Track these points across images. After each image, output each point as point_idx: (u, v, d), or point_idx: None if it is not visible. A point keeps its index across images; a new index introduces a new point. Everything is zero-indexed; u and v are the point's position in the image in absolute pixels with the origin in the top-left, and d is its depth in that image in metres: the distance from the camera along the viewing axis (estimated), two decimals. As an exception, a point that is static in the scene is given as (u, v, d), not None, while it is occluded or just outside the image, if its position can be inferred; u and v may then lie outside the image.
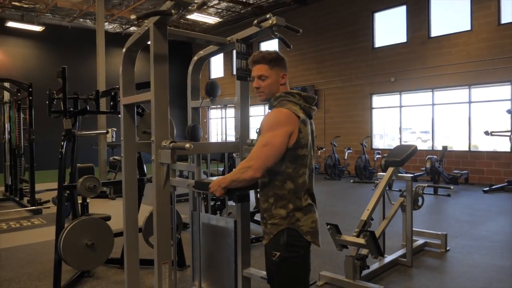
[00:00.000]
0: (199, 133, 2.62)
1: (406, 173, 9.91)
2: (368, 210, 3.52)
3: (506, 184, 8.71)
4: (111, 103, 3.71)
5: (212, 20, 15.38)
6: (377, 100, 12.29)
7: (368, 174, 10.49)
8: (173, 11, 1.98)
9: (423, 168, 9.96)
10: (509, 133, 8.70)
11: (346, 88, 12.72)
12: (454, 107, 10.70)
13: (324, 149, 12.34)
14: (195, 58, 2.90)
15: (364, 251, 3.40)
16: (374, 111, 12.26)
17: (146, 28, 2.21)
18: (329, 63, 13.25)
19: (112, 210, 5.53)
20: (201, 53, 2.83)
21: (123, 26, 15.87)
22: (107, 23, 14.51)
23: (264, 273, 2.73)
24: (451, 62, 10.39)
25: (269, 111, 1.94)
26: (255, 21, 2.40)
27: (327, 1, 13.14)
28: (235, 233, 2.57)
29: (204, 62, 2.97)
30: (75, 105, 3.69)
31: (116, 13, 14.01)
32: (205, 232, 2.74)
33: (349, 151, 11.47)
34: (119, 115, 3.92)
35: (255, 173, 1.74)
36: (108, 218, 3.62)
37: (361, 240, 3.21)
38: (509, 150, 9.50)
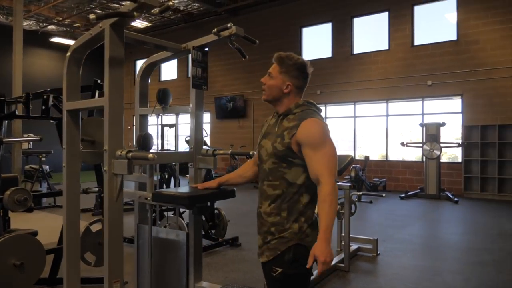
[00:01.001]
0: (151, 142, 2.50)
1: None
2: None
3: (419, 191, 9.52)
4: (43, 107, 3.40)
5: (140, 24, 14.89)
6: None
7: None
8: (135, 13, 1.88)
9: (347, 177, 10.55)
10: (421, 145, 9.56)
11: (275, 99, 13.03)
12: (374, 119, 11.50)
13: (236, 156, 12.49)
14: (144, 63, 2.78)
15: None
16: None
17: (101, 29, 2.07)
18: (259, 73, 13.48)
19: (33, 224, 5.04)
20: (152, 58, 2.72)
21: (41, 24, 14.73)
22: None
23: (217, 286, 2.68)
24: (371, 78, 11.17)
25: (288, 118, 1.80)
26: (215, 30, 2.37)
27: (258, 13, 13.42)
28: (187, 246, 2.48)
29: (154, 68, 2.85)
30: (1, 108, 3.32)
31: (33, 9, 12.95)
32: (153, 246, 2.61)
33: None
34: (52, 121, 3.64)
35: (336, 189, 1.66)
36: (35, 233, 3.29)
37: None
38: (420, 159, 10.43)
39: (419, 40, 10.56)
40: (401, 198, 9.22)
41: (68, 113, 2.38)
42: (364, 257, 4.54)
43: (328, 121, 12.20)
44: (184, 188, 2.25)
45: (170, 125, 6.35)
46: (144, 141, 2.46)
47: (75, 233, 2.42)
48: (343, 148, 12.33)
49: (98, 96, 3.68)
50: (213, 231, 5.06)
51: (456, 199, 8.72)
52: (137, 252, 2.70)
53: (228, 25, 2.30)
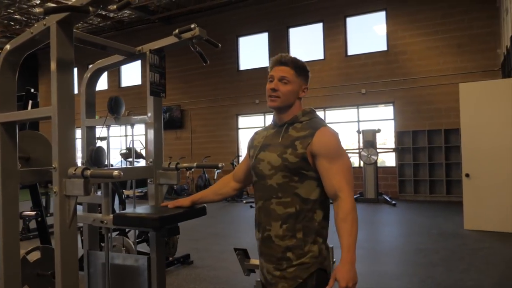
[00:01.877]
0: (104, 157, 2.21)
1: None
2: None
3: (359, 195, 9.82)
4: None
5: (64, 31, 13.92)
6: (243, 121, 12.71)
7: (239, 194, 10.66)
8: (90, 8, 1.61)
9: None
10: (357, 151, 9.90)
11: (213, 109, 12.84)
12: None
13: (193, 169, 12.14)
14: (91, 69, 2.47)
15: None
16: (240, 131, 12.63)
17: (45, 27, 1.77)
18: (196, 83, 13.23)
19: None
20: (100, 63, 2.42)
21: None
22: None
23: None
24: (308, 87, 11.38)
25: (295, 126, 1.66)
26: (176, 31, 2.15)
27: (192, 22, 13.03)
28: (149, 272, 2.22)
29: (103, 74, 2.55)
30: None
31: None
32: (106, 274, 2.30)
33: (218, 171, 11.51)
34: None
35: (355, 205, 1.54)
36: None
37: (272, 263, 3.13)
38: (357, 165, 10.81)
39: (352, 50, 11.00)
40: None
41: (2, 127, 2.02)
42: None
43: (267, 130, 12.27)
44: (146, 208, 2.00)
45: (102, 138, 5.91)
46: (97, 156, 2.17)
47: (14, 267, 2.05)
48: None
49: (32, 107, 3.25)
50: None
51: (393, 202, 9.11)
52: (88, 283, 2.36)
53: (192, 25, 2.11)
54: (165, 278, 2.37)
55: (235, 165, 11.24)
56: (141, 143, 10.13)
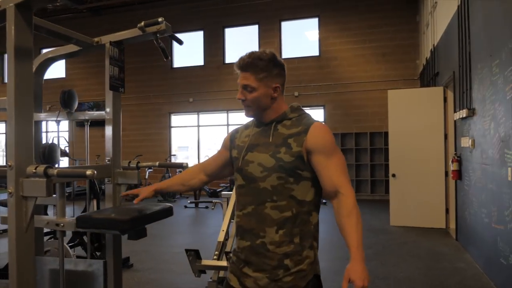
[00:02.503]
0: (58, 155, 2.04)
1: (209, 188, 10.33)
2: (223, 231, 3.45)
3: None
4: None
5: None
6: (176, 119, 12.45)
7: (171, 193, 10.41)
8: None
9: (222, 184, 10.61)
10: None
11: (144, 106, 12.40)
12: (246, 128, 11.87)
13: (151, 168, 11.62)
14: (39, 59, 2.27)
15: (222, 273, 3.31)
16: (173, 129, 12.36)
17: (0, 9, 1.59)
18: (127, 78, 12.58)
19: None
20: (51, 52, 2.23)
21: None
22: None
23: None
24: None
25: (286, 122, 1.56)
26: (142, 23, 2.06)
27: (124, 14, 12.60)
28: (105, 278, 2.09)
29: (52, 64, 2.35)
30: None
31: None
32: (61, 281, 2.12)
33: (149, 170, 11.14)
34: None
35: (355, 199, 1.46)
36: None
37: (224, 263, 3.11)
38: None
39: (286, 53, 11.29)
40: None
41: None
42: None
43: (201, 129, 12.15)
44: (110, 209, 1.88)
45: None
46: (50, 153, 2.00)
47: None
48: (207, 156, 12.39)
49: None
50: (98, 253, 4.47)
51: (324, 201, 9.51)
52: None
53: (159, 19, 2.02)
54: (122, 284, 2.25)
55: (128, 165, 10.97)
56: (65, 139, 9.48)
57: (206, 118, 12.20)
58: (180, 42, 2.31)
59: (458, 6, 4.97)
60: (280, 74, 1.60)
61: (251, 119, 1.69)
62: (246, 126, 1.71)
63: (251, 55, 1.57)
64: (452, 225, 5.87)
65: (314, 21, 11.02)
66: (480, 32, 4.12)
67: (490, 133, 3.78)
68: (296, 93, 11.05)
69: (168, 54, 2.31)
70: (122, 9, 12.52)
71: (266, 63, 1.55)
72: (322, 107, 10.98)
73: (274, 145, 1.53)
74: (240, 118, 11.83)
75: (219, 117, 11.99)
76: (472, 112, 4.42)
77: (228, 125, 11.84)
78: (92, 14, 12.60)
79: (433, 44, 7.17)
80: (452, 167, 5.28)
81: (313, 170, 1.51)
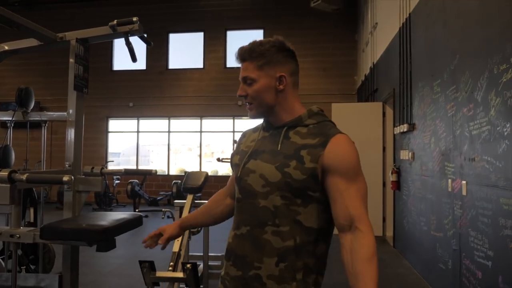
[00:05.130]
0: (12, 158, 1.86)
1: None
2: (177, 241, 3.34)
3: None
4: None
5: None
6: (114, 124, 11.95)
7: (108, 201, 9.90)
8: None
9: (162, 192, 10.33)
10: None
11: (79, 109, 11.75)
12: (188, 135, 11.70)
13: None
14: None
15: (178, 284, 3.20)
16: (110, 135, 11.83)
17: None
18: (59, 79, 11.83)
19: None
20: (10, 45, 2.04)
21: None
22: None
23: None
24: (186, 94, 11.33)
25: (295, 130, 1.28)
26: (115, 22, 1.97)
27: (56, 11, 11.91)
28: (61, 292, 1.94)
29: (3, 59, 2.15)
30: None
31: None
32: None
33: (117, 181, 10.30)
34: None
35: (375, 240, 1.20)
36: None
37: (180, 274, 3.01)
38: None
39: (231, 62, 11.34)
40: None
41: None
42: (215, 274, 4.47)
43: (141, 135, 11.76)
44: (74, 219, 1.75)
45: None
46: (5, 156, 1.82)
47: None
48: (159, 164, 12.06)
49: None
50: (33, 267, 4.11)
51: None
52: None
53: (134, 19, 1.94)
54: (79, 298, 2.10)
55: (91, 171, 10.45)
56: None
57: (147, 124, 11.85)
58: (149, 43, 2.23)
59: (400, 28, 5.32)
60: (287, 62, 1.29)
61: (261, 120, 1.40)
62: (255, 129, 1.42)
63: (253, 42, 1.32)
64: (389, 233, 6.21)
65: (260, 33, 11.21)
66: (421, 53, 4.45)
67: (430, 147, 4.07)
68: (239, 102, 11.10)
69: (136, 57, 2.22)
70: (56, 5, 11.87)
71: (267, 47, 1.28)
72: (265, 117, 11.15)
73: (283, 155, 1.24)
74: (182, 125, 11.64)
75: (160, 124, 11.70)
76: (412, 127, 4.74)
77: (169, 132, 11.59)
78: (24, 8, 11.74)
79: (373, 62, 7.61)
80: (392, 178, 5.60)
81: (326, 192, 1.24)
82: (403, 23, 5.19)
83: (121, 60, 11.96)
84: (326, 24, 10.87)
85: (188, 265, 3.03)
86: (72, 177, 1.35)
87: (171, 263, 3.18)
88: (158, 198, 9.93)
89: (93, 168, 2.03)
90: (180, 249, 3.35)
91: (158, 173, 10.26)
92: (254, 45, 1.29)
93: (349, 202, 1.20)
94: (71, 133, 2.02)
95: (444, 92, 3.67)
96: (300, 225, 1.22)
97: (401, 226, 5.39)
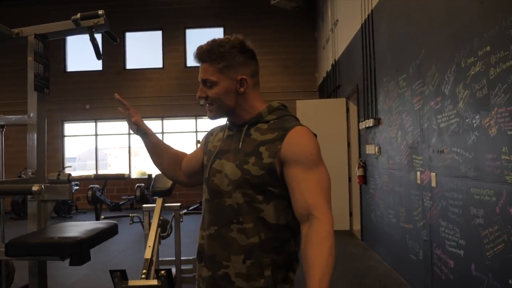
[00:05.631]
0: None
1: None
2: (149, 247, 3.20)
3: (198, 205, 9.93)
4: None
5: None
6: (70, 128, 11.43)
7: (67, 209, 9.45)
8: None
9: (124, 197, 9.98)
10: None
11: (31, 113, 11.14)
12: (149, 137, 11.41)
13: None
14: None
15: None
16: (66, 139, 11.30)
17: None
18: (10, 82, 11.21)
19: None
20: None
21: None
22: None
23: None
24: (146, 95, 11.01)
25: (255, 126, 1.29)
26: (78, 15, 1.82)
27: (10, 10, 11.21)
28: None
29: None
30: None
31: None
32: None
33: (76, 187, 9.76)
34: None
35: (333, 228, 1.18)
36: None
37: (154, 282, 2.87)
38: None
39: (191, 61, 11.12)
40: (185, 214, 9.38)
41: None
42: (188, 278, 4.34)
43: (99, 138, 11.32)
44: (44, 232, 1.60)
45: None
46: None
47: None
48: (117, 167, 11.67)
49: None
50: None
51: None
52: None
53: (99, 12, 1.80)
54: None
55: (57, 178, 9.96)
56: None
57: (105, 126, 11.42)
58: (115, 39, 2.09)
59: (362, 25, 5.40)
60: (247, 63, 1.29)
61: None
62: (222, 127, 1.42)
63: (212, 41, 1.29)
64: (356, 227, 6.31)
65: (220, 31, 11.08)
66: (385, 49, 4.53)
67: (397, 140, 4.14)
68: (201, 102, 10.87)
69: (101, 53, 2.08)
70: (9, 3, 11.14)
71: (227, 49, 1.26)
72: (228, 116, 11.05)
73: (243, 153, 1.26)
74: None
75: (119, 126, 11.31)
76: (378, 122, 4.82)
77: (129, 134, 11.23)
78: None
79: (334, 59, 7.70)
80: (358, 172, 5.68)
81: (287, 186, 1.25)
82: (365, 20, 5.27)
83: (75, 61, 11.45)
84: (286, 22, 10.91)
85: (162, 272, 2.90)
86: (42, 186, 1.22)
87: (144, 271, 3.03)
88: (121, 203, 9.59)
89: (59, 174, 1.87)
90: (152, 256, 3.21)
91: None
92: (213, 45, 1.27)
93: (306, 192, 1.20)
94: (33, 138, 1.85)
95: (410, 86, 3.74)
96: (264, 222, 1.23)
97: (368, 220, 5.48)
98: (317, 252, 1.14)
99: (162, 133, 11.17)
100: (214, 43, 1.28)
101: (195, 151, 1.51)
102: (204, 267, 1.30)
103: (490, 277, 2.42)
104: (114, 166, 12.03)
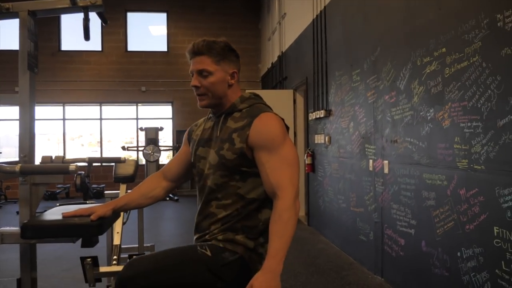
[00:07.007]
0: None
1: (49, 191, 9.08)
2: (118, 233, 3.16)
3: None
4: None
5: None
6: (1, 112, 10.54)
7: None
8: None
9: (60, 186, 9.47)
10: (142, 148, 9.80)
11: (-51, 93, 10.08)
12: (87, 122, 10.87)
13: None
14: None
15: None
16: (-8, 123, 10.42)
17: None
18: None
19: None
20: None
21: None
22: None
23: None
24: (83, 79, 10.47)
25: (232, 116, 1.50)
26: (75, -6, 1.76)
27: None
28: (20, 297, 1.73)
29: None
30: None
31: None
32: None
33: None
34: None
35: (296, 205, 1.32)
36: None
37: (126, 267, 2.87)
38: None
39: (132, 46, 10.78)
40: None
41: None
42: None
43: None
44: (50, 214, 1.57)
45: None
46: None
47: None
48: (48, 154, 10.97)
49: None
50: None
51: (176, 197, 9.47)
52: None
53: (100, -8, 1.77)
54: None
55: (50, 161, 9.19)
56: None
57: (39, 111, 10.66)
58: (105, 21, 2.07)
59: (313, 20, 5.65)
60: (237, 61, 1.55)
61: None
62: (205, 119, 1.64)
63: (205, 40, 1.49)
64: (301, 213, 6.63)
65: (163, 16, 10.83)
66: (338, 44, 4.80)
67: (349, 131, 4.44)
68: (143, 88, 10.67)
69: (89, 35, 2.04)
70: None
71: (222, 46, 1.48)
72: (170, 104, 10.88)
73: (221, 140, 1.45)
74: (79, 112, 10.77)
75: (54, 111, 10.64)
76: (329, 113, 5.11)
77: (64, 119, 10.63)
78: None
79: (282, 51, 7.92)
80: (306, 161, 5.97)
81: None
82: (317, 15, 5.51)
83: (3, 39, 10.52)
84: (230, 11, 10.94)
85: (135, 257, 2.90)
86: (77, 165, 1.22)
87: (115, 257, 3.01)
88: (57, 191, 9.09)
89: (52, 157, 1.82)
90: (120, 242, 3.19)
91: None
92: (209, 42, 1.46)
93: (270, 172, 1.36)
94: (24, 120, 1.78)
95: (364, 81, 4.03)
96: (240, 197, 1.41)
97: (316, 205, 5.80)
98: (274, 227, 1.30)
99: (100, 119, 10.72)
100: (209, 41, 1.47)
101: (178, 154, 1.69)
102: (194, 233, 1.54)
103: (439, 251, 2.77)
104: (45, 153, 11.26)
